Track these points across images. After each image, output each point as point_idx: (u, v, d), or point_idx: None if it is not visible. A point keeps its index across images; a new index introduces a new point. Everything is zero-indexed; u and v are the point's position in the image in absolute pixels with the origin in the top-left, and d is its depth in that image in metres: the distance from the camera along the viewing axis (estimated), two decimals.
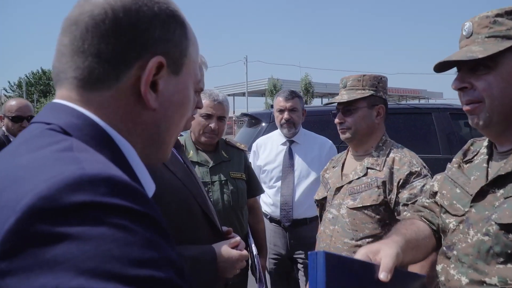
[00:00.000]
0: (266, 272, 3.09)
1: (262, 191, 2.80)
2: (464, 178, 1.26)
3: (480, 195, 1.15)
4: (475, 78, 1.13)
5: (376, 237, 1.83)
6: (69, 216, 0.46)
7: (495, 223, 1.06)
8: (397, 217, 1.80)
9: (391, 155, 1.93)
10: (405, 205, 1.78)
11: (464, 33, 1.18)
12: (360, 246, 1.84)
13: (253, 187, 2.67)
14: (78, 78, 0.66)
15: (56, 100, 0.68)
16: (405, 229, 1.32)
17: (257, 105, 49.09)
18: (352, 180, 1.95)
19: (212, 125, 2.43)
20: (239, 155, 2.62)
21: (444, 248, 1.25)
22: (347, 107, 1.98)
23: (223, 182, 2.44)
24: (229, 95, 39.03)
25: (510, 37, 1.08)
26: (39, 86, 44.37)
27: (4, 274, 0.43)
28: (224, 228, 1.63)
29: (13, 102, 3.33)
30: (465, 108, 1.18)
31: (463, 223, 1.18)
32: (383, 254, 1.06)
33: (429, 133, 5.14)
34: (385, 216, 1.84)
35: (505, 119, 1.12)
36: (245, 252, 1.56)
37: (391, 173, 1.86)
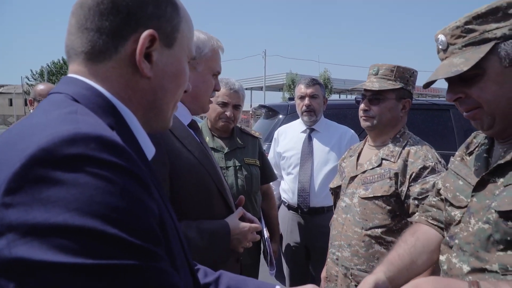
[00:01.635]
0: (282, 258, 3.14)
1: (275, 178, 2.85)
2: (467, 170, 1.28)
3: (480, 185, 1.17)
4: (467, 88, 1.15)
5: (385, 228, 1.86)
6: (62, 165, 0.57)
7: (495, 211, 1.08)
8: (408, 219, 1.80)
9: (407, 147, 1.92)
10: (416, 199, 1.79)
11: (440, 46, 1.20)
12: (369, 236, 1.87)
13: (267, 174, 2.74)
14: (84, 51, 0.78)
15: (69, 75, 0.81)
16: (397, 253, 1.38)
17: (274, 100, 49.05)
18: (366, 170, 1.96)
19: (228, 113, 2.53)
20: (254, 142, 2.70)
21: (447, 238, 1.28)
22: (375, 96, 1.95)
23: (237, 167, 2.53)
24: (246, 88, 39.05)
25: (486, 40, 1.10)
26: (60, 76, 45.05)
27: (8, 206, 0.55)
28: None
29: (42, 86, 3.39)
30: (465, 115, 1.20)
31: (466, 213, 1.20)
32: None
33: (447, 129, 5.11)
34: (396, 207, 1.85)
35: (506, 118, 1.14)
36: (255, 224, 1.62)
37: (405, 165, 1.86)
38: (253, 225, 1.62)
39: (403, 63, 2.14)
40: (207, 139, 2.58)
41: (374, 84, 1.94)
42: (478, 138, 1.35)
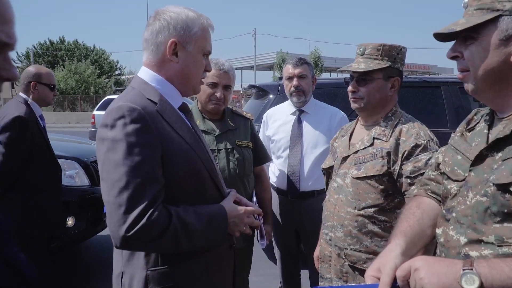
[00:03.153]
0: (272, 241, 3.13)
1: (269, 159, 2.82)
2: (466, 145, 1.31)
3: (479, 159, 1.20)
4: (464, 48, 1.21)
5: (378, 207, 1.86)
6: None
7: (493, 184, 1.11)
8: (403, 192, 1.81)
9: (399, 126, 1.90)
10: (408, 177, 1.79)
11: (462, 4, 1.25)
12: (362, 215, 1.87)
13: (260, 156, 2.71)
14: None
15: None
16: (407, 223, 1.37)
17: (265, 79, 48.75)
18: (358, 150, 1.95)
19: (218, 93, 2.48)
20: (246, 124, 2.65)
21: (444, 211, 1.29)
22: (362, 76, 1.93)
23: (229, 150, 2.49)
24: (236, 68, 38.70)
25: (494, 9, 1.14)
26: (47, 57, 44.26)
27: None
28: (228, 191, 1.68)
29: (48, 70, 3.27)
30: (458, 75, 1.26)
31: (463, 187, 1.23)
32: (382, 272, 1.16)
33: (438, 106, 5.11)
34: (388, 186, 1.85)
35: (490, 87, 1.18)
36: (250, 207, 1.61)
37: (397, 144, 1.85)
38: (249, 208, 1.60)
39: (394, 41, 2.11)
40: (198, 121, 2.53)
41: (360, 65, 1.92)
42: (479, 114, 1.37)
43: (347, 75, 2.09)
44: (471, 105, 5.49)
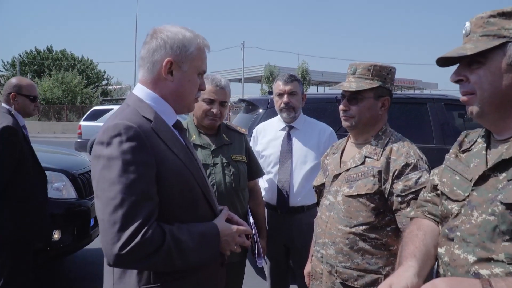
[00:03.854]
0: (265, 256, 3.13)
1: (262, 173, 2.84)
2: (462, 166, 1.36)
3: (481, 179, 1.24)
4: (469, 72, 1.26)
5: (369, 225, 1.88)
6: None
7: (501, 203, 1.14)
8: (394, 211, 1.84)
9: (390, 145, 1.94)
10: (399, 196, 1.81)
11: (464, 31, 1.31)
12: (354, 233, 1.89)
13: (254, 170, 2.73)
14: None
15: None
16: (414, 246, 1.38)
17: (253, 92, 48.95)
18: (350, 168, 1.97)
19: (214, 110, 2.51)
20: (240, 139, 2.69)
21: (446, 230, 1.32)
22: (353, 95, 1.96)
23: (224, 164, 2.52)
24: None
25: (501, 36, 1.21)
26: (33, 66, 43.83)
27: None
28: (220, 208, 1.69)
29: (29, 82, 3.29)
30: (462, 98, 1.30)
31: (465, 206, 1.26)
32: None
33: (424, 122, 5.19)
34: (380, 205, 1.87)
35: (496, 109, 1.24)
36: (242, 227, 1.62)
37: (387, 163, 1.88)
38: (241, 227, 1.61)
39: (380, 56, 2.19)
40: (194, 136, 2.56)
41: (352, 85, 1.95)
42: (470, 137, 1.43)
43: (336, 90, 2.12)
44: (456, 121, 5.60)
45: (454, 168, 1.38)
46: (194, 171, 1.53)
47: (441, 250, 1.33)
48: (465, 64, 1.27)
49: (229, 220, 1.63)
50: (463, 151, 1.41)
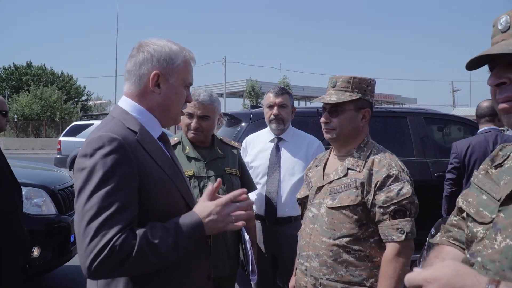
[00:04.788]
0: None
1: (254, 188, 2.85)
2: (491, 184, 1.18)
3: (509, 199, 1.08)
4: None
5: (353, 236, 1.89)
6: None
7: None
8: (377, 222, 1.85)
9: (371, 156, 1.96)
10: (381, 207, 1.84)
11: (500, 27, 1.11)
12: (337, 245, 1.90)
13: (246, 184, 2.73)
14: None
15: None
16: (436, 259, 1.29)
17: (234, 107, 48.97)
18: (333, 180, 1.99)
19: (193, 124, 2.52)
20: (233, 153, 2.72)
21: (467, 255, 1.17)
22: (334, 108, 1.99)
23: (218, 177, 2.48)
24: None
25: None
26: (11, 82, 43.24)
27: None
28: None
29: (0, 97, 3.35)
30: (502, 106, 1.10)
31: (490, 229, 1.10)
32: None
33: (404, 136, 5.27)
34: (362, 216, 1.89)
35: None
36: (231, 194, 1.52)
37: (370, 175, 1.90)
38: (226, 196, 1.51)
39: (360, 71, 2.22)
40: (188, 148, 2.59)
41: (332, 97, 1.99)
42: (505, 150, 1.25)
43: (318, 104, 2.14)
44: (435, 135, 5.71)
45: (482, 186, 1.20)
46: (178, 183, 1.53)
47: None
48: (506, 65, 1.07)
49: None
50: (496, 167, 1.22)
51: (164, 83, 1.51)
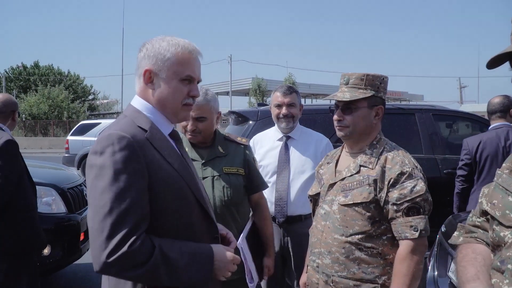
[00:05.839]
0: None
1: (265, 186, 2.68)
2: None
3: None
4: None
5: (365, 234, 1.88)
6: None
7: None
8: (390, 219, 1.84)
9: (384, 153, 1.95)
10: (394, 204, 1.82)
11: None
12: (350, 242, 1.89)
13: (255, 182, 2.57)
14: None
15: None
16: (475, 269, 1.21)
17: (240, 105, 49.06)
18: (345, 177, 1.98)
19: (189, 126, 2.44)
20: (237, 150, 2.55)
21: (498, 262, 1.11)
22: (347, 105, 1.98)
23: (215, 177, 2.42)
24: None
25: None
26: (19, 82, 43.49)
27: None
28: (220, 227, 1.69)
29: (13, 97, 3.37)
30: None
31: None
32: None
33: (412, 133, 5.24)
34: (375, 213, 1.88)
35: None
36: (238, 257, 1.60)
37: (383, 172, 1.89)
38: (237, 256, 1.59)
39: (367, 68, 2.19)
40: (186, 149, 2.50)
41: (345, 95, 1.97)
42: None
43: (323, 102, 2.12)
44: (443, 131, 5.67)
45: (507, 187, 1.15)
46: (188, 180, 1.54)
47: (492, 281, 1.13)
48: None
49: (223, 238, 1.64)
50: None
51: (157, 79, 1.54)
